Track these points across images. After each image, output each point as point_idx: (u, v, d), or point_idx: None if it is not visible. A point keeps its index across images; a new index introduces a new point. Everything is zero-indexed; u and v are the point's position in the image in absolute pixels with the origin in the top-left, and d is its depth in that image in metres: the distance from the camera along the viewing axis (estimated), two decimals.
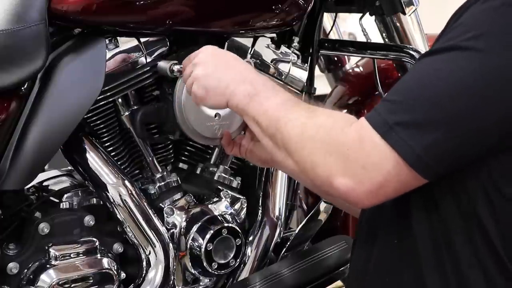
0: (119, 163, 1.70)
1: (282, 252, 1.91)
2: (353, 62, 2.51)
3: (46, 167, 1.74)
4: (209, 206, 1.80)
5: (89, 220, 1.68)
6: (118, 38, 1.62)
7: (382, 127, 1.19)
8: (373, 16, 2.10)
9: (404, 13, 2.06)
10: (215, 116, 1.67)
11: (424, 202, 1.27)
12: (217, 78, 1.45)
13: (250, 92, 1.39)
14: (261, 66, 1.80)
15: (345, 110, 2.34)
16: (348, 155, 1.21)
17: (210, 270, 1.74)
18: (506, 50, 1.16)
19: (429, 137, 1.17)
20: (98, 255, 1.67)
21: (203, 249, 1.73)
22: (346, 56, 2.50)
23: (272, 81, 1.45)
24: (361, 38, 2.16)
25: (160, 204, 1.75)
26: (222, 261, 1.76)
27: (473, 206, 1.23)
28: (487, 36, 1.17)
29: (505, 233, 1.23)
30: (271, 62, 1.83)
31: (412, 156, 1.18)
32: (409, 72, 1.27)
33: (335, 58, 2.50)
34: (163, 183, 1.75)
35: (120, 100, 1.68)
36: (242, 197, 1.84)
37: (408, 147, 1.18)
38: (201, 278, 1.79)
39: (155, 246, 1.69)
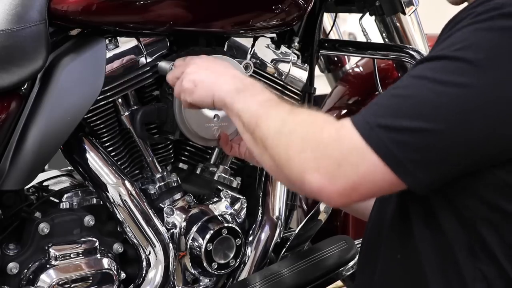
0: (119, 163, 1.70)
1: (282, 252, 1.90)
2: (353, 62, 2.51)
3: (46, 167, 1.74)
4: (209, 206, 1.80)
5: (89, 220, 1.67)
6: (118, 38, 1.62)
7: (364, 127, 1.18)
8: (373, 16, 2.10)
9: (404, 13, 2.06)
10: (214, 117, 1.68)
11: (425, 218, 1.26)
12: (207, 73, 1.47)
13: (238, 87, 1.40)
14: (261, 66, 1.80)
15: (345, 110, 2.35)
16: (324, 152, 1.19)
17: (210, 270, 1.74)
18: (494, 67, 1.15)
19: (410, 144, 1.15)
20: (98, 255, 1.67)
21: (203, 249, 1.73)
22: (346, 56, 2.50)
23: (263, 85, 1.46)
24: (361, 38, 2.16)
25: (160, 204, 1.75)
26: (222, 261, 1.76)
27: (474, 221, 1.22)
28: (475, 48, 1.16)
29: (508, 248, 1.22)
30: (271, 62, 1.83)
31: (392, 159, 1.16)
32: (399, 79, 1.26)
33: (335, 58, 2.50)
34: (163, 183, 1.75)
35: (120, 100, 1.68)
36: (242, 197, 1.84)
37: (388, 151, 1.16)
38: (201, 278, 1.79)
39: (155, 246, 1.69)
